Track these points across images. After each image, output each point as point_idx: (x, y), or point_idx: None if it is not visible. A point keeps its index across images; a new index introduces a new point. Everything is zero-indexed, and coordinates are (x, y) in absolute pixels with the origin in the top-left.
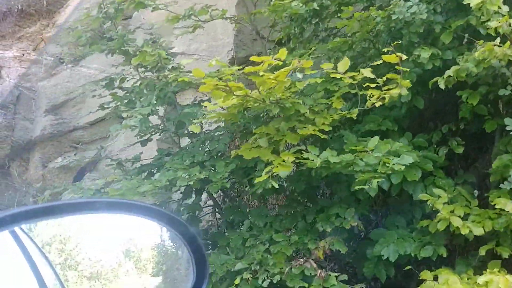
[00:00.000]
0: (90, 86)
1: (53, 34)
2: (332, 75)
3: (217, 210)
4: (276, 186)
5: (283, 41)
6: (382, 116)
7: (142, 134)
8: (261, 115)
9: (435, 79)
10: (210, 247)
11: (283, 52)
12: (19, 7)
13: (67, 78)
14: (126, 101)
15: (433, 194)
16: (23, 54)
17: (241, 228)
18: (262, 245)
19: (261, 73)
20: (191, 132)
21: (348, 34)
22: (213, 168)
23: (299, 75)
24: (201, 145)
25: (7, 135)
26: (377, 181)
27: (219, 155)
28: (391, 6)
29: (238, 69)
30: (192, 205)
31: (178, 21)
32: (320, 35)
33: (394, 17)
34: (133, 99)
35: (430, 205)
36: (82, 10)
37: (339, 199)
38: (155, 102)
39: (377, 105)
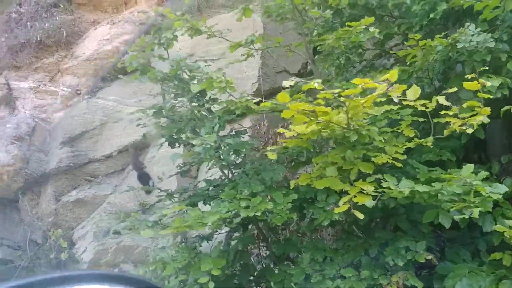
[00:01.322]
0: (137, 114)
1: (70, 65)
2: (404, 103)
3: (264, 244)
4: (362, 216)
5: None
6: (438, 146)
7: (203, 163)
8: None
9: (506, 107)
10: (253, 284)
11: (393, 74)
12: (38, 38)
13: (84, 110)
14: (175, 130)
15: (504, 225)
16: (39, 85)
17: (294, 262)
18: (330, 281)
19: (342, 98)
20: (234, 162)
21: (407, 63)
22: (271, 199)
23: (395, 100)
24: (249, 176)
25: (22, 167)
26: (479, 211)
27: (273, 185)
28: (456, 35)
29: (336, 92)
30: (244, 239)
31: (238, 48)
32: (356, 66)
33: (459, 45)
34: (183, 127)
35: (508, 236)
36: (102, 42)
37: (401, 232)
38: (216, 130)
39: (468, 131)
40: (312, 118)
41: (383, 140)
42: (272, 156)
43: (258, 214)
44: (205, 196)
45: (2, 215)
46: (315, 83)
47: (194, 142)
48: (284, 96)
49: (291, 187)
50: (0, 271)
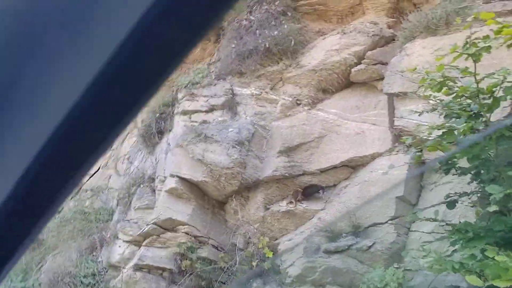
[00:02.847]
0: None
1: (294, 75)
2: None
3: None
4: None
5: None
6: None
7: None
8: None
9: None
10: None
11: None
12: (266, 45)
13: (303, 121)
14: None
15: None
16: (261, 93)
17: None
18: None
19: None
20: None
21: None
22: None
23: None
24: None
25: (239, 172)
26: None
27: None
28: None
29: None
30: None
31: None
32: None
33: None
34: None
35: None
36: (330, 52)
37: None
38: None
39: None
40: None
41: None
42: None
43: None
44: (497, 238)
45: (210, 215)
46: None
47: None
48: None
49: None
50: (204, 271)
